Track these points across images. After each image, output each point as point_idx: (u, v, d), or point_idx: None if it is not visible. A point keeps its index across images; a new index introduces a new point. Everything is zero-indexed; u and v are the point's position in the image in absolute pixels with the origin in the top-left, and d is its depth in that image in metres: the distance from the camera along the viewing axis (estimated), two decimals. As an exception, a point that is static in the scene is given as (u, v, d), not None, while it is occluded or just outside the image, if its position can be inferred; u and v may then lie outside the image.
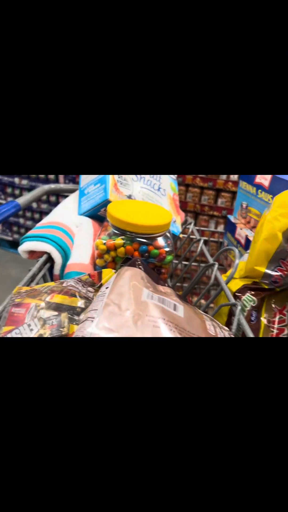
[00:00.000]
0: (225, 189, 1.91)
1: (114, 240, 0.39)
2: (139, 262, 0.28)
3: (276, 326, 0.37)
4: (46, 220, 0.48)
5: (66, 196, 0.59)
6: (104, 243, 0.39)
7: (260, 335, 0.37)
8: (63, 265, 0.42)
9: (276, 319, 0.37)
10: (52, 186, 0.72)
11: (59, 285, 0.28)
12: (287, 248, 0.34)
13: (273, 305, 0.38)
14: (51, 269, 0.43)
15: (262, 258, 0.35)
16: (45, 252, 0.41)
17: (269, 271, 0.35)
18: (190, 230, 0.59)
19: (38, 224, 0.47)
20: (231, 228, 0.64)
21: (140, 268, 0.26)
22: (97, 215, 0.51)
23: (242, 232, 0.58)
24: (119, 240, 0.39)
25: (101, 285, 0.31)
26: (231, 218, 0.67)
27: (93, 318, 0.23)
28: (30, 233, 0.43)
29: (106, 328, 0.21)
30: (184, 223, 0.64)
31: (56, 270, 0.42)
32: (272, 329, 0.37)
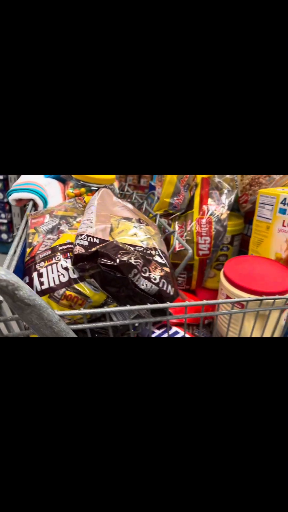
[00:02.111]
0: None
1: (79, 189, 0.61)
2: (105, 188, 0.51)
3: (179, 235, 0.66)
4: (21, 180, 0.65)
5: None
6: (73, 192, 0.61)
7: (171, 241, 0.65)
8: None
9: (178, 231, 0.66)
10: None
11: (60, 206, 0.50)
12: (179, 186, 0.62)
13: (177, 223, 0.66)
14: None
15: (167, 194, 0.62)
16: (30, 199, 0.60)
17: (171, 201, 0.63)
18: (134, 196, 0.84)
19: (17, 182, 0.64)
20: (152, 188, 0.91)
21: (106, 187, 0.50)
22: (59, 177, 0.71)
23: (160, 190, 0.86)
24: (82, 189, 0.61)
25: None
26: (152, 182, 0.94)
27: (90, 219, 0.45)
28: (14, 187, 0.61)
29: (99, 222, 0.44)
30: (120, 187, 0.89)
31: (39, 212, 0.62)
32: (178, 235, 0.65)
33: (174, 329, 0.56)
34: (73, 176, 0.61)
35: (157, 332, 0.56)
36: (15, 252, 0.39)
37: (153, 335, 0.56)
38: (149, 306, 0.34)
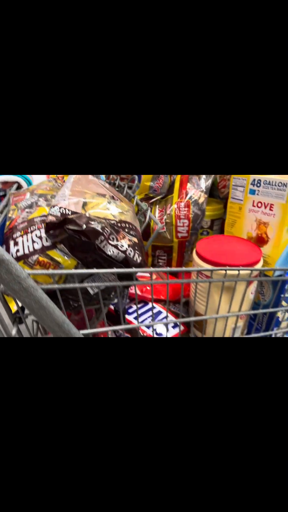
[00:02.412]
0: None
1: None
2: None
3: (158, 218, 0.68)
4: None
5: None
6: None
7: (151, 225, 0.68)
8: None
9: (158, 214, 0.69)
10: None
11: (40, 184, 0.52)
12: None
13: (157, 207, 0.69)
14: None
15: (147, 177, 0.65)
16: (15, 182, 0.63)
17: (151, 184, 0.66)
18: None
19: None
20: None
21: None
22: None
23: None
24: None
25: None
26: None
27: (64, 193, 0.48)
28: None
29: (73, 196, 0.47)
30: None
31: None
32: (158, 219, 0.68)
33: (152, 305, 0.59)
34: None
35: (134, 307, 0.59)
36: (-6, 223, 0.42)
37: (130, 310, 0.58)
38: (115, 270, 0.37)
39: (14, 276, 0.31)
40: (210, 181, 0.68)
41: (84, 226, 0.35)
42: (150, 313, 0.57)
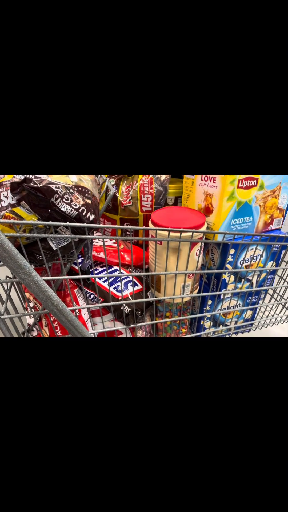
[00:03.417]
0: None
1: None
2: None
3: (125, 193, 0.76)
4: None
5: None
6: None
7: (118, 199, 0.76)
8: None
9: (125, 190, 0.76)
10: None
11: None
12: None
13: (125, 183, 0.76)
14: None
15: None
16: None
17: None
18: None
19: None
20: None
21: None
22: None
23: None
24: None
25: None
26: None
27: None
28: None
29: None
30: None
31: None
32: (123, 195, 0.76)
33: (116, 268, 0.67)
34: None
35: (100, 269, 0.67)
36: None
37: (97, 272, 0.66)
38: (68, 223, 0.44)
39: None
40: (171, 161, 0.75)
41: (40, 185, 0.43)
42: (114, 274, 0.65)
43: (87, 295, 0.65)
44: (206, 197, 0.62)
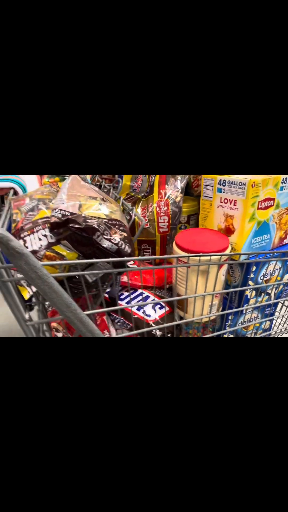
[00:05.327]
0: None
1: (54, 178, 0.71)
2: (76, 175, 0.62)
3: (141, 215, 0.77)
4: None
5: None
6: (48, 180, 0.71)
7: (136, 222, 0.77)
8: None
9: (141, 212, 0.78)
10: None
11: (37, 190, 0.59)
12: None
13: (139, 205, 0.78)
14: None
15: (127, 177, 0.74)
16: (11, 188, 0.69)
17: (131, 184, 0.75)
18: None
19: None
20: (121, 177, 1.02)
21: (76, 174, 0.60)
22: (35, 169, 0.80)
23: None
24: (57, 178, 0.71)
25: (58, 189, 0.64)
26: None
27: (62, 198, 0.55)
28: (-5, 179, 0.70)
29: (70, 200, 0.54)
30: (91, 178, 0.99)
31: (19, 199, 0.71)
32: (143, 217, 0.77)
33: (141, 291, 0.68)
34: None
35: (126, 294, 0.68)
36: (2, 225, 0.49)
37: (122, 296, 0.67)
38: (110, 259, 0.45)
39: (31, 267, 0.38)
40: (185, 182, 0.78)
41: (84, 224, 0.43)
42: (140, 297, 0.66)
43: (115, 320, 0.65)
44: (227, 218, 0.64)
